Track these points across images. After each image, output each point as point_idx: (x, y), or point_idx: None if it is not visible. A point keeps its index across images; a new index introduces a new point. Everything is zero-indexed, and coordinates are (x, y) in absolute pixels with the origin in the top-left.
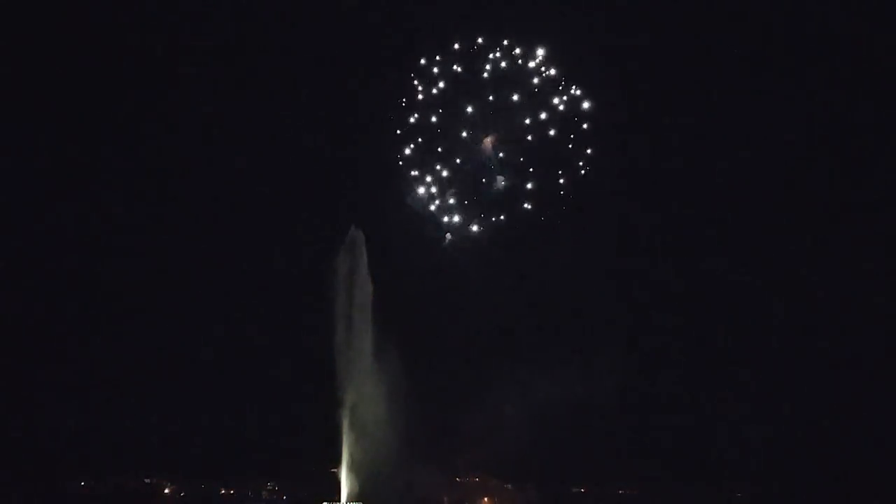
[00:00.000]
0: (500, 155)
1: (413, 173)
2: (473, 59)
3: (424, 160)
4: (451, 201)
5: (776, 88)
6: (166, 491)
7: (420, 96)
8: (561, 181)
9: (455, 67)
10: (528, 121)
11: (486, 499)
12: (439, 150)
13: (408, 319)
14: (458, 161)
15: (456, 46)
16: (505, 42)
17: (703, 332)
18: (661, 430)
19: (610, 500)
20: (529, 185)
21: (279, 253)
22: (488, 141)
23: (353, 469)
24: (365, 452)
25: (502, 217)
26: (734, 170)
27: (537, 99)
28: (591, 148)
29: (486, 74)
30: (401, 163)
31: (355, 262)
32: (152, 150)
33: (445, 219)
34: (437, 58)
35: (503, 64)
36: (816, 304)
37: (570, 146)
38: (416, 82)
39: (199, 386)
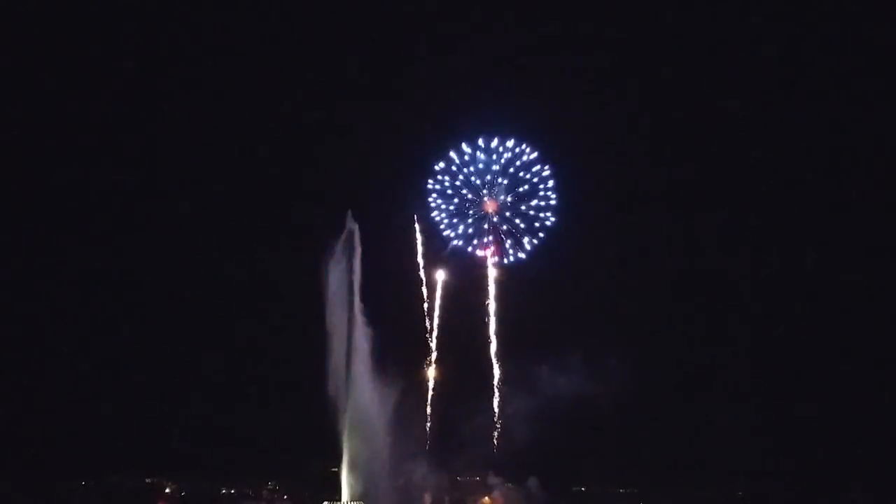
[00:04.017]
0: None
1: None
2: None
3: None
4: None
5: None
6: (166, 491)
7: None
8: None
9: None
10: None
11: (486, 498)
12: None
13: (408, 317)
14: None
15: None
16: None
17: (704, 333)
18: (662, 430)
19: (610, 499)
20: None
21: (277, 253)
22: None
23: (354, 469)
24: (364, 452)
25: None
26: (731, 171)
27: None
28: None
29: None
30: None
31: (350, 255)
32: (152, 150)
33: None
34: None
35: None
36: (815, 304)
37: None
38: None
39: (200, 386)
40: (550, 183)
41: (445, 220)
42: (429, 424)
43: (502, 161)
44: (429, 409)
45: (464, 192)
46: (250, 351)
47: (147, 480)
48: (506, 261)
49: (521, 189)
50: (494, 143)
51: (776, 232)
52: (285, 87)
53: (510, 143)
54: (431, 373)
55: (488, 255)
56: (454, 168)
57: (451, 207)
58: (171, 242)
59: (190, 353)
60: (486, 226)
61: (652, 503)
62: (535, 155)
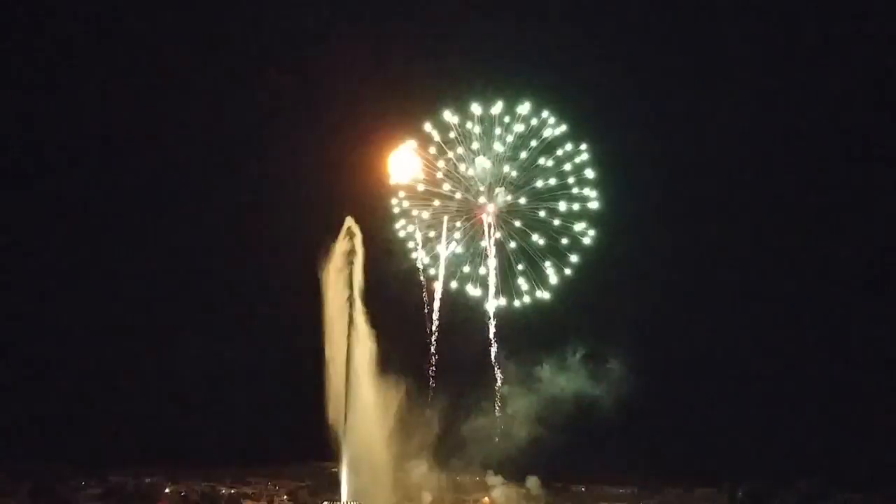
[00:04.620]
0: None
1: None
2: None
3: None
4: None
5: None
6: (166, 491)
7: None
8: None
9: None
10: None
11: (486, 498)
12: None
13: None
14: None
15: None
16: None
17: (703, 334)
18: (662, 430)
19: (610, 499)
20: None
21: (277, 252)
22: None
23: (354, 469)
24: (364, 452)
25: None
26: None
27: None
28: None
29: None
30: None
31: (350, 257)
32: (151, 150)
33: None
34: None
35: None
36: (816, 304)
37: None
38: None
39: (201, 387)
40: (589, 173)
41: (418, 236)
42: (429, 424)
43: (509, 139)
44: (429, 410)
45: (446, 188)
46: (250, 350)
47: (147, 480)
48: (517, 303)
49: (539, 184)
50: (497, 108)
51: (776, 233)
52: (285, 84)
53: (523, 109)
54: (432, 372)
55: (485, 218)
56: (432, 150)
57: (426, 215)
58: (171, 243)
59: (190, 353)
60: (483, 243)
61: (652, 503)
62: (563, 129)
